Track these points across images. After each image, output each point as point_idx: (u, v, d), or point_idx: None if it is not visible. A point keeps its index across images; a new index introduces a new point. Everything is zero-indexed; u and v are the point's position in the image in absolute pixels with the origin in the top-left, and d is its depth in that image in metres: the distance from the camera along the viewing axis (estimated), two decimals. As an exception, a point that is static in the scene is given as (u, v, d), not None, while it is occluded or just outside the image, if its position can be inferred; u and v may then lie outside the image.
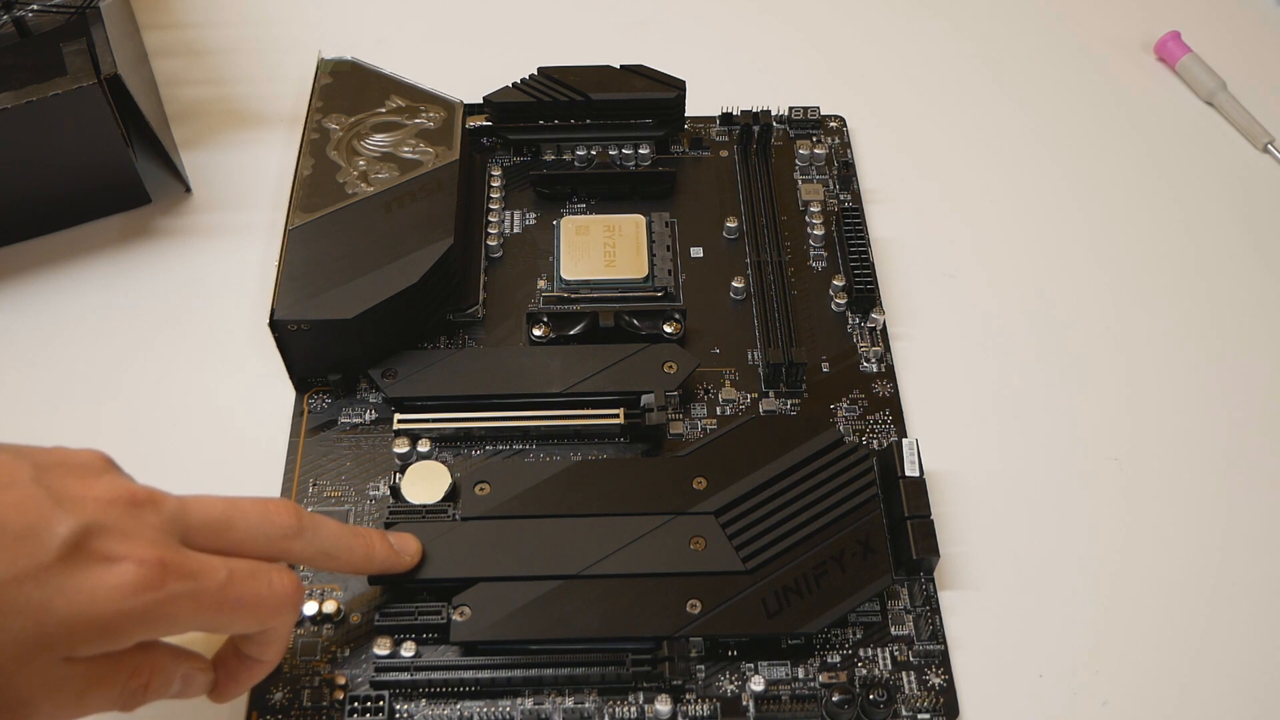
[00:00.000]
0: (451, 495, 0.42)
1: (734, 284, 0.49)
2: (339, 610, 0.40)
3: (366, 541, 0.37)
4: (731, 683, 0.39)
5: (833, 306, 0.49)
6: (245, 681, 0.35)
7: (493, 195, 0.52)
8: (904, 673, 0.39)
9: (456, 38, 0.61)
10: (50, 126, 0.47)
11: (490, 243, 0.50)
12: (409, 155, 0.48)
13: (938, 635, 0.40)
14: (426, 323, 0.47)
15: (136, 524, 0.30)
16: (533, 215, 0.52)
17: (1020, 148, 0.56)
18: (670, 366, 0.45)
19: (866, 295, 0.48)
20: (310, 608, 0.40)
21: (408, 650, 0.39)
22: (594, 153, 0.53)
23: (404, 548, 0.39)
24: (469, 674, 0.38)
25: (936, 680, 0.39)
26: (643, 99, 0.52)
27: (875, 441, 0.45)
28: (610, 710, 0.38)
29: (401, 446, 0.44)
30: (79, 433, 0.44)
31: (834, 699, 0.38)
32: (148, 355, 0.48)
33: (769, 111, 0.54)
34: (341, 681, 0.39)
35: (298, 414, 0.45)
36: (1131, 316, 0.50)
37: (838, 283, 0.49)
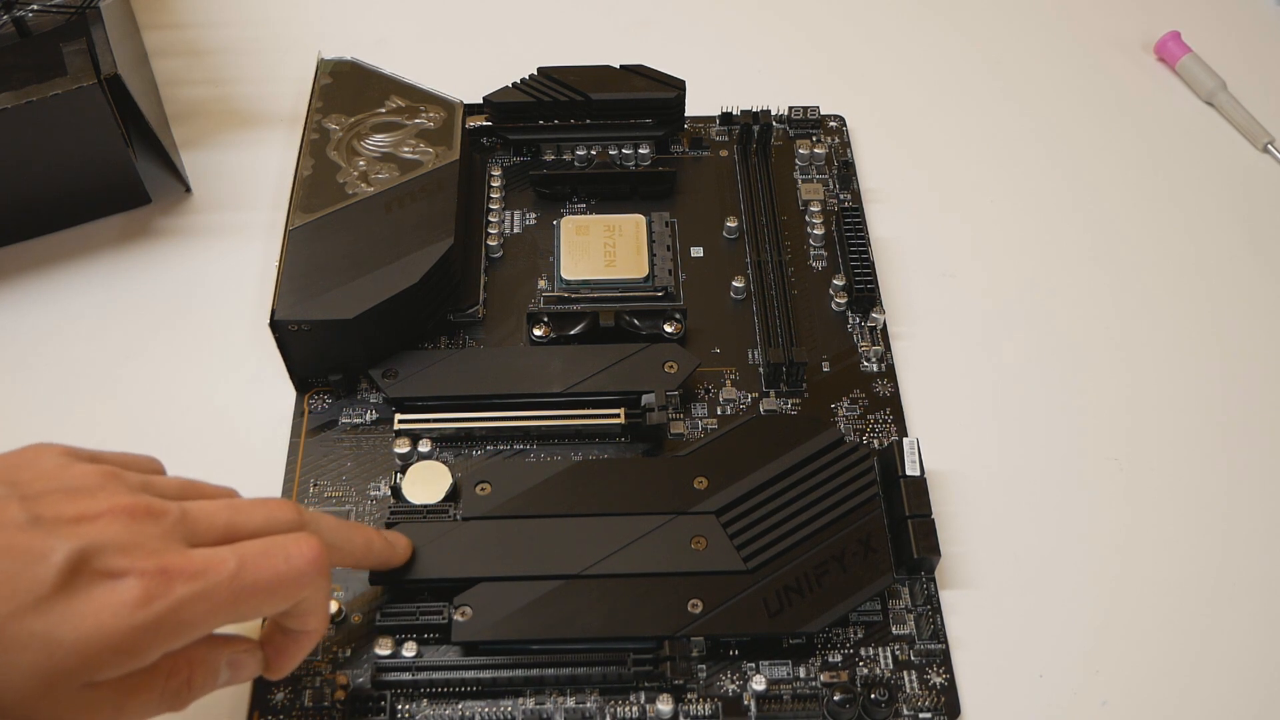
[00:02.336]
0: (452, 495, 0.42)
1: (734, 284, 0.49)
2: (340, 610, 0.40)
3: (365, 535, 0.37)
4: (733, 682, 0.39)
5: (833, 306, 0.49)
6: (296, 655, 0.34)
7: (493, 195, 0.52)
8: (905, 672, 0.39)
9: (456, 38, 0.61)
10: (50, 126, 0.47)
11: (490, 243, 0.50)
12: (409, 155, 0.48)
13: (939, 634, 0.40)
14: (427, 323, 0.47)
15: (137, 536, 0.29)
16: (533, 215, 0.52)
17: (1020, 148, 0.56)
18: (671, 366, 0.45)
19: (866, 295, 0.49)
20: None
21: (409, 650, 0.39)
22: (594, 153, 0.53)
23: (395, 542, 0.39)
24: (470, 674, 0.38)
25: (938, 679, 0.39)
26: (643, 99, 0.52)
27: (876, 441, 0.45)
28: (612, 710, 0.38)
29: (402, 447, 0.44)
30: (79, 433, 0.44)
31: (835, 698, 0.38)
32: (148, 355, 0.48)
33: (769, 111, 0.54)
34: (343, 682, 0.38)
35: (298, 414, 0.45)
36: (1131, 316, 0.50)
37: (838, 282, 0.49)
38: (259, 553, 0.31)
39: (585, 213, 0.52)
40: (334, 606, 0.40)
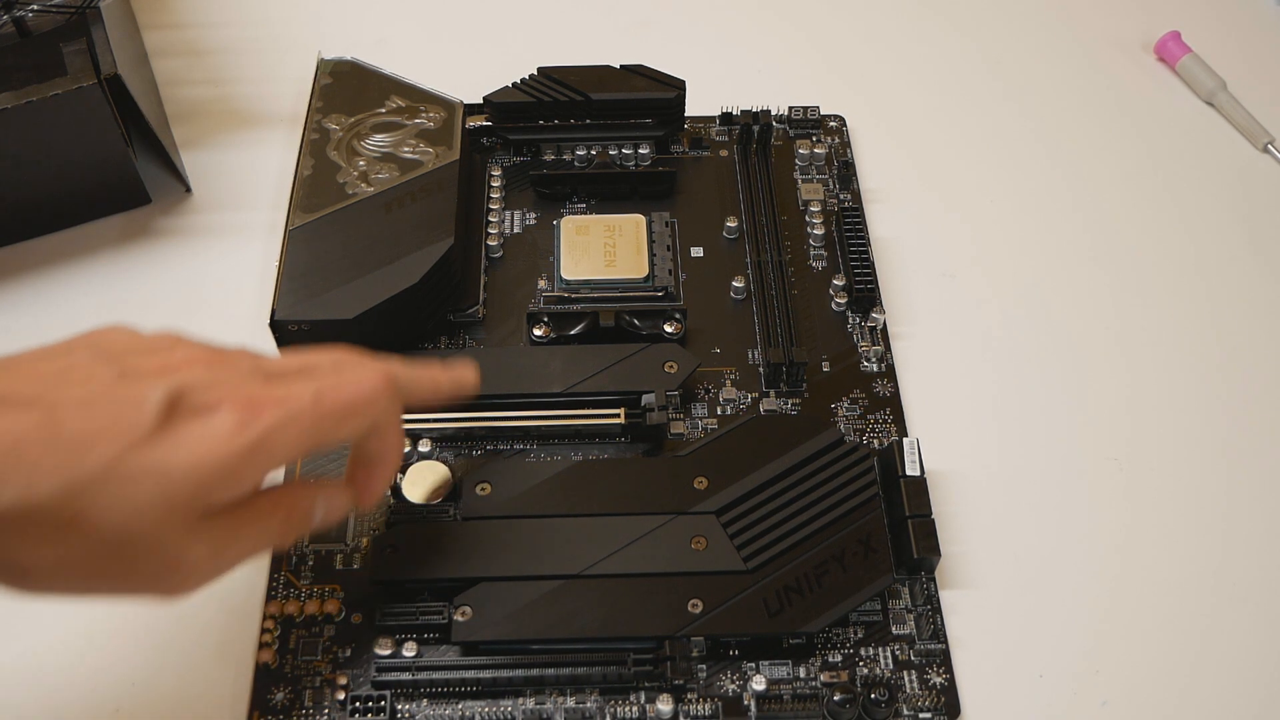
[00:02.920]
0: (452, 495, 0.42)
1: (734, 284, 0.49)
2: (340, 610, 0.40)
3: (430, 373, 0.38)
4: (733, 682, 0.39)
5: (833, 306, 0.49)
6: (379, 485, 0.36)
7: (493, 195, 0.52)
8: (905, 672, 0.39)
9: (456, 38, 0.61)
10: (50, 126, 0.47)
11: (490, 243, 0.50)
12: (409, 155, 0.48)
13: (939, 634, 0.40)
14: (427, 323, 0.47)
15: (220, 375, 0.31)
16: (533, 215, 0.52)
17: (1020, 148, 0.56)
18: (671, 366, 0.45)
19: (866, 295, 0.49)
20: (311, 608, 0.40)
21: (409, 650, 0.38)
22: (594, 153, 0.53)
23: (461, 376, 0.39)
24: (470, 674, 0.38)
25: (938, 679, 0.39)
26: (643, 99, 0.52)
27: (876, 441, 0.45)
28: (612, 710, 0.38)
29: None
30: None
31: (835, 698, 0.38)
32: (148, 355, 0.48)
33: (769, 111, 0.54)
34: (343, 682, 0.39)
35: (298, 414, 0.45)
36: (1131, 316, 0.50)
37: (838, 282, 0.49)
38: (331, 380, 0.33)
39: (585, 213, 0.52)
40: (333, 606, 0.40)
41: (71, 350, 0.31)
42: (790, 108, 0.56)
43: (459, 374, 0.39)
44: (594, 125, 0.53)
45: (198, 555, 0.31)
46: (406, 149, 0.48)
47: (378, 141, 0.48)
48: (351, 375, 0.34)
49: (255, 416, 0.31)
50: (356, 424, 0.34)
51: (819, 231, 0.51)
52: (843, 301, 0.49)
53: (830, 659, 0.39)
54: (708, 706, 0.38)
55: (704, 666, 0.39)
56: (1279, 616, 0.41)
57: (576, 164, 0.53)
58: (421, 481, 0.42)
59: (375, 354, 0.36)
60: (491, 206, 0.52)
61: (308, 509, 0.34)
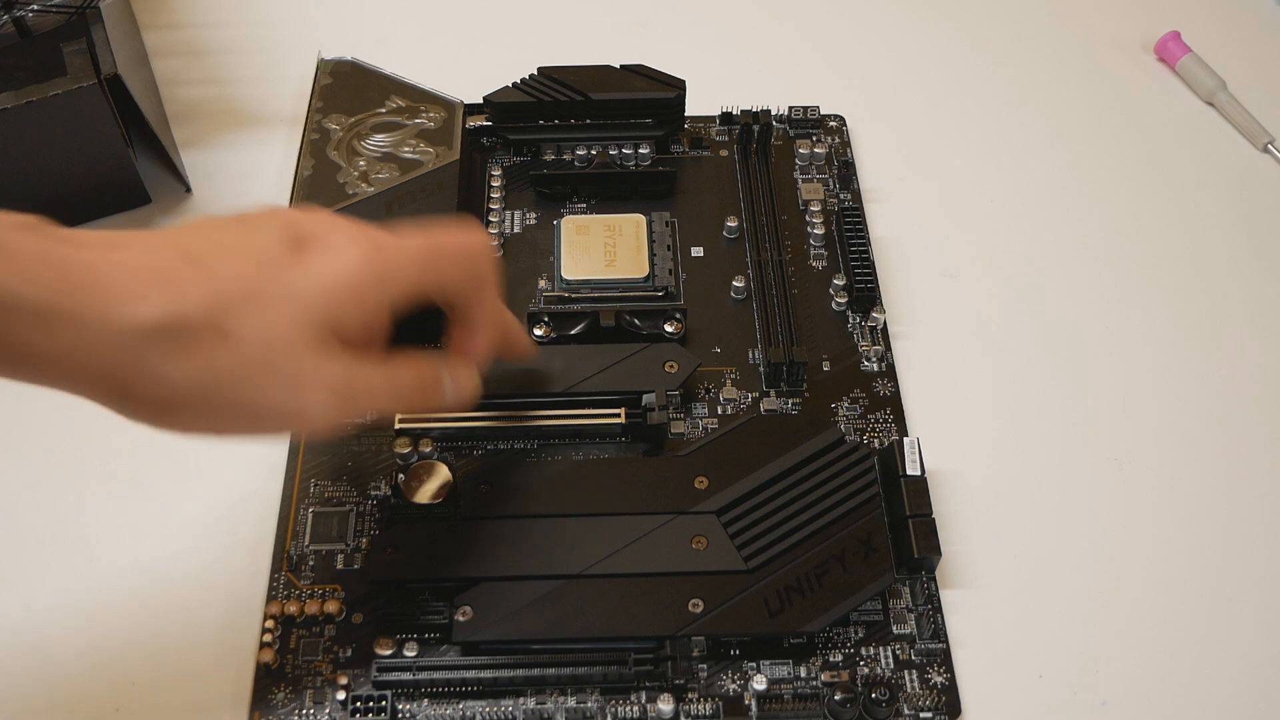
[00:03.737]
0: (452, 495, 0.42)
1: (734, 283, 0.49)
2: (341, 610, 0.40)
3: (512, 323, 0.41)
4: (734, 682, 0.39)
5: (833, 305, 0.49)
6: (485, 343, 0.39)
7: (493, 195, 0.52)
8: (906, 671, 0.39)
9: (456, 38, 0.61)
10: (50, 126, 0.47)
11: (491, 243, 0.50)
12: (409, 155, 0.48)
13: (939, 634, 0.40)
14: (427, 323, 0.47)
15: (339, 222, 0.34)
16: (533, 215, 0.52)
17: (1020, 147, 0.56)
18: (671, 366, 0.45)
19: (867, 294, 0.49)
20: (312, 608, 0.40)
21: (410, 650, 0.39)
22: (594, 153, 0.53)
23: (527, 347, 0.42)
24: (471, 674, 0.38)
25: (938, 679, 0.39)
26: (643, 99, 0.52)
27: (876, 440, 0.45)
28: (613, 710, 0.38)
29: (403, 447, 0.44)
30: (80, 432, 0.44)
31: (836, 698, 0.38)
32: (148, 355, 0.47)
33: (769, 111, 0.54)
34: (343, 682, 0.38)
35: (298, 414, 0.45)
36: (1131, 316, 0.50)
37: (838, 282, 0.49)
38: (443, 230, 0.37)
39: (585, 213, 0.52)
40: (334, 606, 0.40)
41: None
42: (790, 108, 0.56)
43: (525, 338, 0.42)
44: (594, 125, 0.53)
45: (330, 376, 0.33)
46: (407, 149, 0.48)
47: (378, 141, 0.48)
48: (460, 229, 0.37)
49: (378, 252, 0.34)
50: (464, 269, 0.37)
51: (819, 231, 0.51)
52: (843, 301, 0.49)
53: (831, 658, 0.39)
54: (708, 706, 0.38)
55: (705, 666, 0.39)
56: (1279, 616, 0.41)
57: (576, 164, 0.53)
58: (426, 481, 0.42)
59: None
60: (491, 206, 0.52)
61: (439, 378, 0.37)
